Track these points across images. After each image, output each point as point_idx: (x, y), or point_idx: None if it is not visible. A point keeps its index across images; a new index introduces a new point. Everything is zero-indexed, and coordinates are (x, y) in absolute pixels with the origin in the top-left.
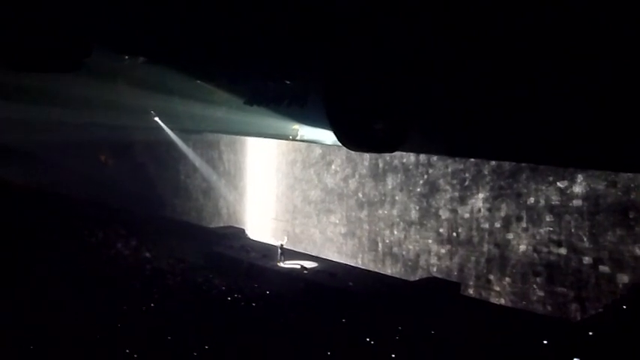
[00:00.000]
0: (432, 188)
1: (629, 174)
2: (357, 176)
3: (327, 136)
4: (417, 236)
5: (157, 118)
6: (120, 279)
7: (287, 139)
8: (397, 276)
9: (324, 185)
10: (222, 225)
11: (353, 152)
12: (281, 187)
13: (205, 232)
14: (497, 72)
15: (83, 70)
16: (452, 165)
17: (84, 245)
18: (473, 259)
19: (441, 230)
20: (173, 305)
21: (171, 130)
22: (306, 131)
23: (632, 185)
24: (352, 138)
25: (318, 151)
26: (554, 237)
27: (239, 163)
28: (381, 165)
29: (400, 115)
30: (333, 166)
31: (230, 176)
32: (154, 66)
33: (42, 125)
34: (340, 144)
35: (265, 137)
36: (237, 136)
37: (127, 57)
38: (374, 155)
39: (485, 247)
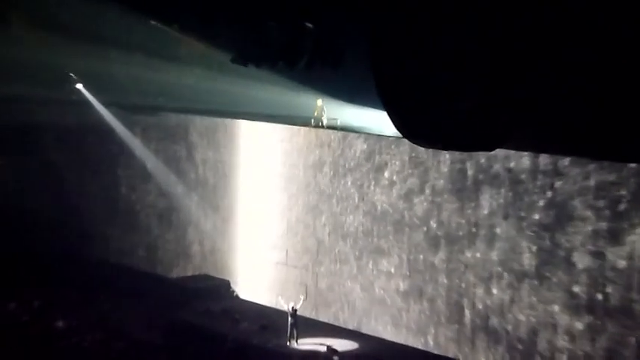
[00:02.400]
0: (561, 214)
1: None
2: (428, 191)
3: (377, 122)
4: (534, 298)
5: (80, 86)
6: None
7: (307, 125)
8: None
9: (371, 206)
10: (191, 274)
11: (421, 149)
12: (296, 209)
13: (163, 285)
14: None
15: None
16: (596, 174)
17: None
18: (632, 340)
19: (575, 289)
20: None
21: (106, 106)
22: (340, 112)
23: None
24: (421, 125)
25: (360, 146)
26: None
27: (222, 166)
28: (470, 172)
29: (504, 88)
30: (386, 174)
31: (207, 188)
32: None
33: None
34: (400, 135)
35: (268, 122)
36: (220, 120)
37: None
38: (457, 156)
39: None
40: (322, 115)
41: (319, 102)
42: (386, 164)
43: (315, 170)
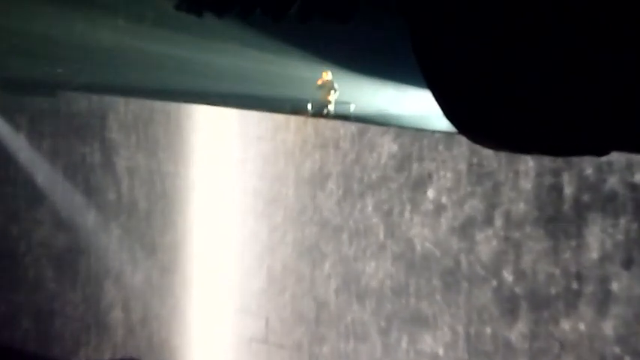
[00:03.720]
0: None
1: None
2: (499, 222)
3: (415, 108)
4: None
5: None
6: None
7: (302, 113)
8: None
9: (406, 246)
10: (110, 357)
11: (488, 153)
12: (282, 251)
13: None
14: None
15: None
16: None
17: None
18: None
19: None
20: None
21: None
22: (356, 91)
23: None
24: (486, 112)
25: (388, 147)
26: None
27: (162, 180)
28: (568, 191)
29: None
30: (430, 192)
31: (136, 217)
32: None
33: None
34: (453, 129)
35: (238, 108)
36: (159, 104)
37: None
38: (547, 164)
39: None
40: (328, 97)
41: (326, 75)
42: (430, 177)
43: (314, 187)
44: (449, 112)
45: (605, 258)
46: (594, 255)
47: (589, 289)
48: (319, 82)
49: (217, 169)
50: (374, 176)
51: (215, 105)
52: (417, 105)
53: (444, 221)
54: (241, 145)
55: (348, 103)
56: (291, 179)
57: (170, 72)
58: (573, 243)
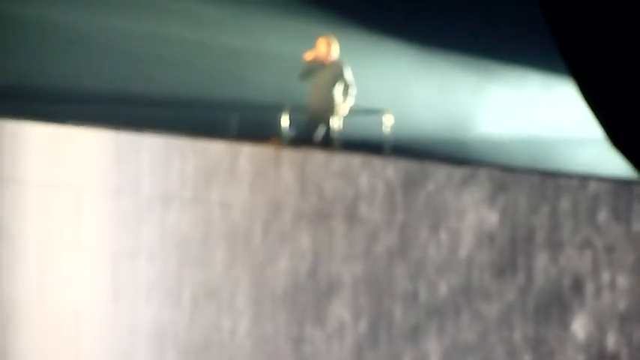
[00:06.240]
0: None
1: None
2: None
3: (530, 123)
4: None
5: None
6: None
7: (268, 137)
8: None
9: None
10: None
11: None
12: None
13: None
14: None
15: None
16: None
17: None
18: None
19: None
20: None
21: None
22: (391, 85)
23: None
24: None
25: (474, 216)
26: None
27: None
28: None
29: None
30: (577, 328)
31: None
32: None
33: None
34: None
35: (118, 126)
36: None
37: None
38: None
39: None
40: (329, 98)
41: (325, 45)
42: (578, 289)
43: (301, 318)
44: (624, 137)
45: None
46: None
47: None
48: (308, 60)
49: (78, 272)
50: (442, 290)
51: (68, 124)
52: (538, 118)
53: None
54: (129, 218)
55: (380, 112)
56: (243, 301)
57: None
58: None
